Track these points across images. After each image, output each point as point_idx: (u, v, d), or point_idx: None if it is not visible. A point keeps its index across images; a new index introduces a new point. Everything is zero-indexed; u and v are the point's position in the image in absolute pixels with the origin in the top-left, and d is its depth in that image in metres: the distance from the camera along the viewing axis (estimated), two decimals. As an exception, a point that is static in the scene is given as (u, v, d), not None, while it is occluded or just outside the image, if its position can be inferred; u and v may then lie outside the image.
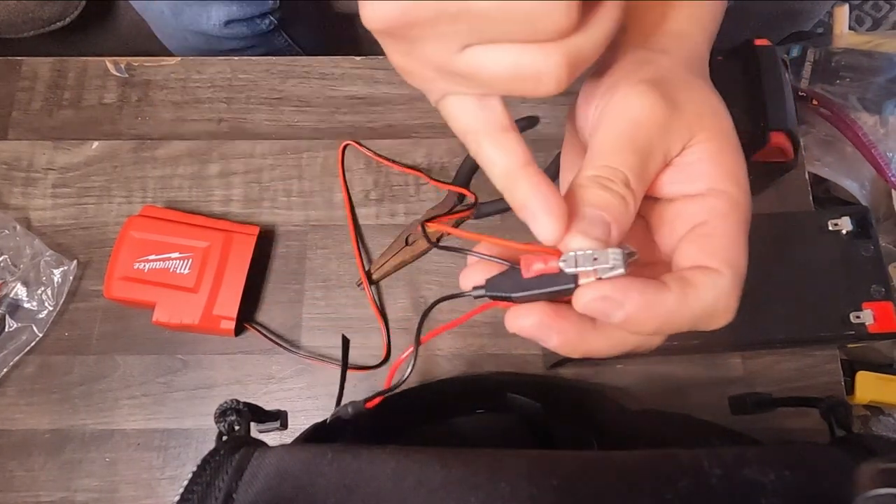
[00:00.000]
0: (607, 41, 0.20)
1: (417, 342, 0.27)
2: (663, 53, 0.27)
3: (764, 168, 0.44)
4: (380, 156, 0.51)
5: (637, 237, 0.26)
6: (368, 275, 0.47)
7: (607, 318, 0.22)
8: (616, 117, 0.24)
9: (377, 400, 0.28)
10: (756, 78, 0.42)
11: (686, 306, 0.22)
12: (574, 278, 0.23)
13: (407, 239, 0.48)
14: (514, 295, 0.24)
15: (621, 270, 0.22)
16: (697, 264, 0.23)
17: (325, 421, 0.36)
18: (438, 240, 0.49)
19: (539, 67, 0.19)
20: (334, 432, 0.36)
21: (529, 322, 0.23)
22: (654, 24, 0.28)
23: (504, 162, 0.22)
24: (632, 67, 0.26)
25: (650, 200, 0.26)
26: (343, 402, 0.38)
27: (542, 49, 0.19)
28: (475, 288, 0.25)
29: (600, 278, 0.23)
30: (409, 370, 0.26)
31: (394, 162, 0.50)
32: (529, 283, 0.24)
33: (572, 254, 0.23)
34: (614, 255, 0.22)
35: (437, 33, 0.19)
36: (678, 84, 0.25)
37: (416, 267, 0.48)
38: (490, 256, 0.25)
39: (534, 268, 0.23)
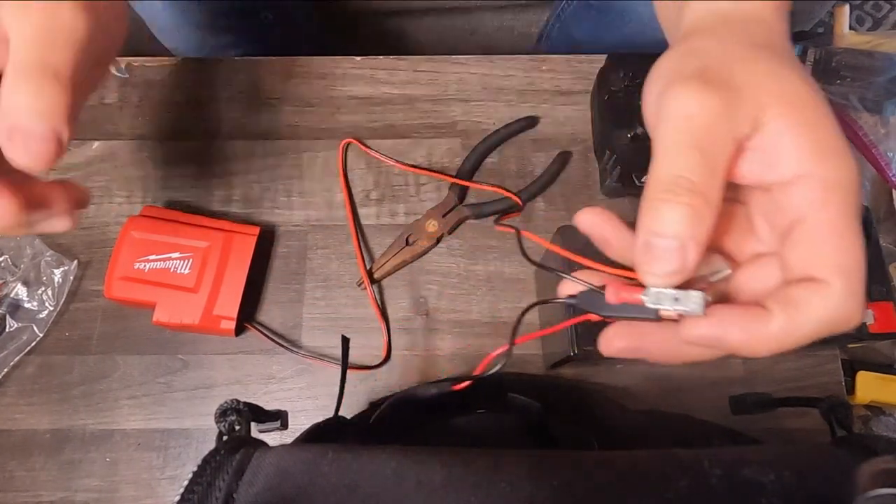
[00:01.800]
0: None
1: (512, 341, 0.29)
2: (710, 35, 0.25)
3: None
4: (383, 154, 0.51)
5: (739, 228, 0.25)
6: (370, 273, 0.47)
7: (715, 349, 0.22)
8: (670, 117, 0.22)
9: (466, 384, 0.32)
10: None
11: (795, 328, 0.21)
12: (655, 312, 0.25)
13: (407, 239, 0.48)
14: (601, 312, 0.27)
15: (700, 314, 0.24)
16: (804, 275, 0.21)
17: (328, 420, 0.36)
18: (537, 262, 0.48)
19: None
20: (335, 432, 0.36)
21: (620, 346, 0.25)
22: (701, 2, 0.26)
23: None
24: (679, 61, 0.25)
25: (747, 189, 0.25)
26: (343, 402, 0.38)
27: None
28: (569, 297, 0.29)
29: (681, 316, 0.24)
30: (498, 365, 0.29)
31: (398, 161, 0.50)
32: (615, 306, 0.26)
33: (655, 290, 0.24)
34: (695, 300, 0.24)
35: None
36: (732, 64, 0.23)
37: (416, 267, 0.48)
38: (584, 282, 0.27)
39: (620, 296, 0.26)
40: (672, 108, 0.22)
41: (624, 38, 0.64)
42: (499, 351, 0.30)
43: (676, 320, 0.26)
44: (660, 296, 0.24)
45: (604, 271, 0.27)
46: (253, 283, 0.47)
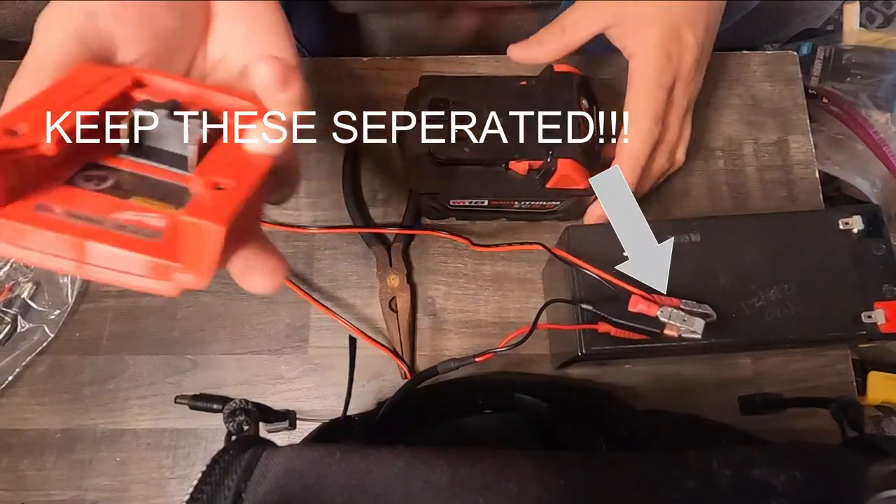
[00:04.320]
0: None
1: (534, 324, 0.34)
2: None
3: (565, 194, 0.43)
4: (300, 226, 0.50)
5: None
6: (410, 367, 0.46)
7: None
8: None
9: (488, 356, 0.34)
10: (556, 104, 0.42)
11: None
12: (662, 326, 0.31)
13: (391, 305, 0.47)
14: (613, 319, 0.33)
15: (698, 337, 0.31)
16: None
17: (335, 420, 0.36)
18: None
19: None
20: (343, 432, 0.36)
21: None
22: None
23: None
24: None
25: None
26: (350, 403, 0.38)
27: None
28: (585, 303, 0.34)
29: (681, 335, 0.31)
30: (516, 341, 0.34)
31: (303, 228, 0.49)
32: (628, 315, 0.32)
33: (669, 309, 0.31)
34: (699, 325, 0.31)
35: None
36: None
37: (423, 267, 0.48)
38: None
39: (638, 307, 0.32)
40: None
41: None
42: (521, 331, 0.34)
43: (676, 336, 0.32)
44: (672, 314, 0.31)
45: (604, 276, 0.32)
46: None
